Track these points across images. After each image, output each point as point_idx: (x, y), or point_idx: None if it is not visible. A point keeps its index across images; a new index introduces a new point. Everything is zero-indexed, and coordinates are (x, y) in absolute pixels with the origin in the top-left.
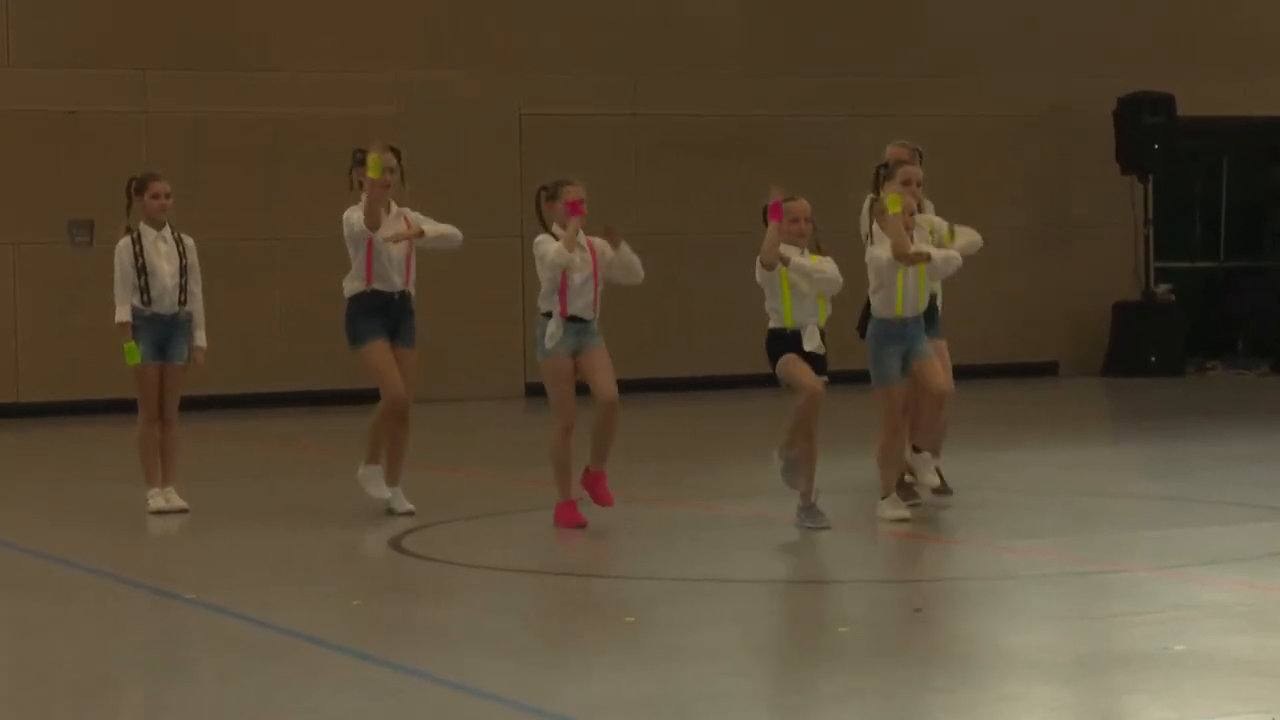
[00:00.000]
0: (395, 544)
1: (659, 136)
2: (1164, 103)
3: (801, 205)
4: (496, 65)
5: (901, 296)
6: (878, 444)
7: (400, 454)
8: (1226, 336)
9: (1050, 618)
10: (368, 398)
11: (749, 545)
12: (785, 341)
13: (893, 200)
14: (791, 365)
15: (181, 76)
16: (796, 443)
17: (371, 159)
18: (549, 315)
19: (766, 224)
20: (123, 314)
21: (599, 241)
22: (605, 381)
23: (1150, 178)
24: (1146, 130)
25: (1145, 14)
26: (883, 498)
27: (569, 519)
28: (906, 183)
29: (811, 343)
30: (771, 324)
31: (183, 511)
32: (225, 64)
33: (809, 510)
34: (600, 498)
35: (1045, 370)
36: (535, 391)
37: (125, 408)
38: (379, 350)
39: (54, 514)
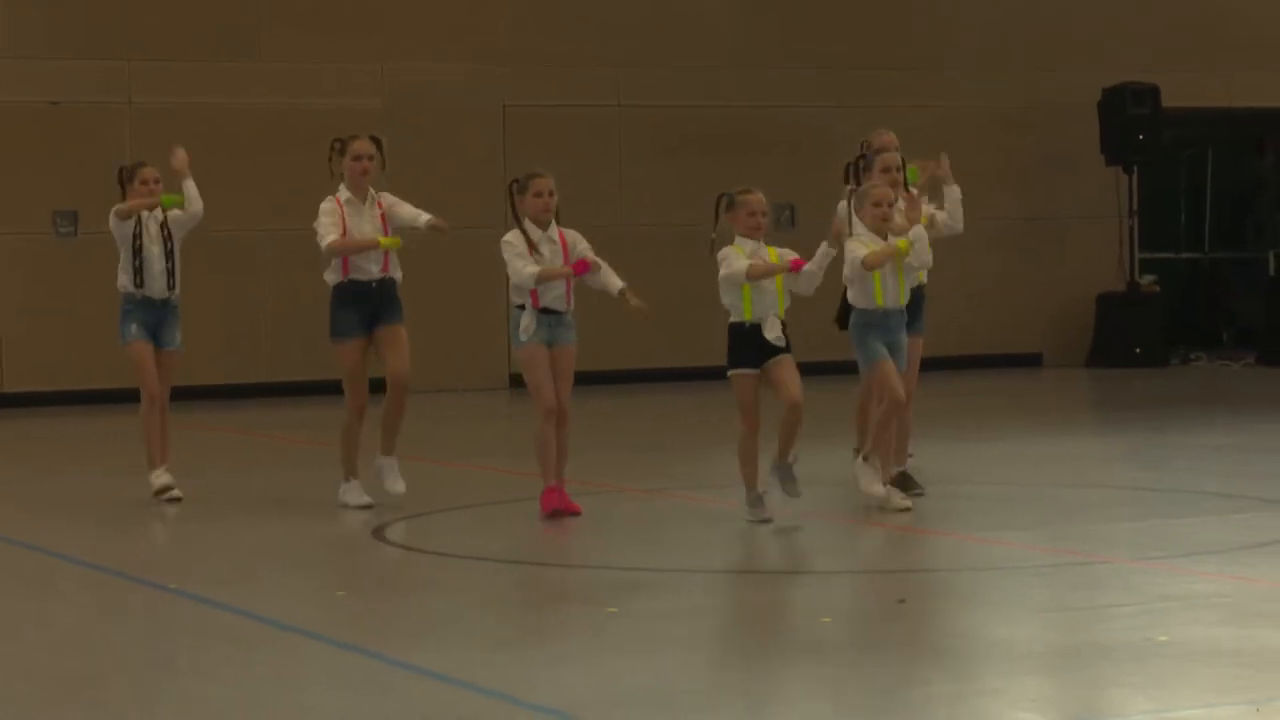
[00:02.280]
0: (378, 535)
1: (643, 129)
2: (1148, 94)
3: (757, 199)
4: (480, 57)
5: (880, 288)
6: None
7: (395, 425)
8: (1211, 327)
9: (1033, 609)
10: None
11: (732, 536)
12: (746, 336)
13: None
14: (740, 387)
15: (165, 68)
16: (747, 472)
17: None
18: (522, 307)
19: (717, 217)
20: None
21: (571, 234)
22: (561, 393)
23: (1135, 169)
24: (1131, 121)
25: (1130, 5)
26: (864, 457)
27: (554, 503)
28: (885, 170)
29: (772, 333)
30: (731, 318)
31: (176, 500)
32: (209, 55)
33: (785, 469)
34: (566, 507)
35: (1029, 361)
36: (519, 382)
37: (110, 398)
38: (353, 351)
39: (37, 505)
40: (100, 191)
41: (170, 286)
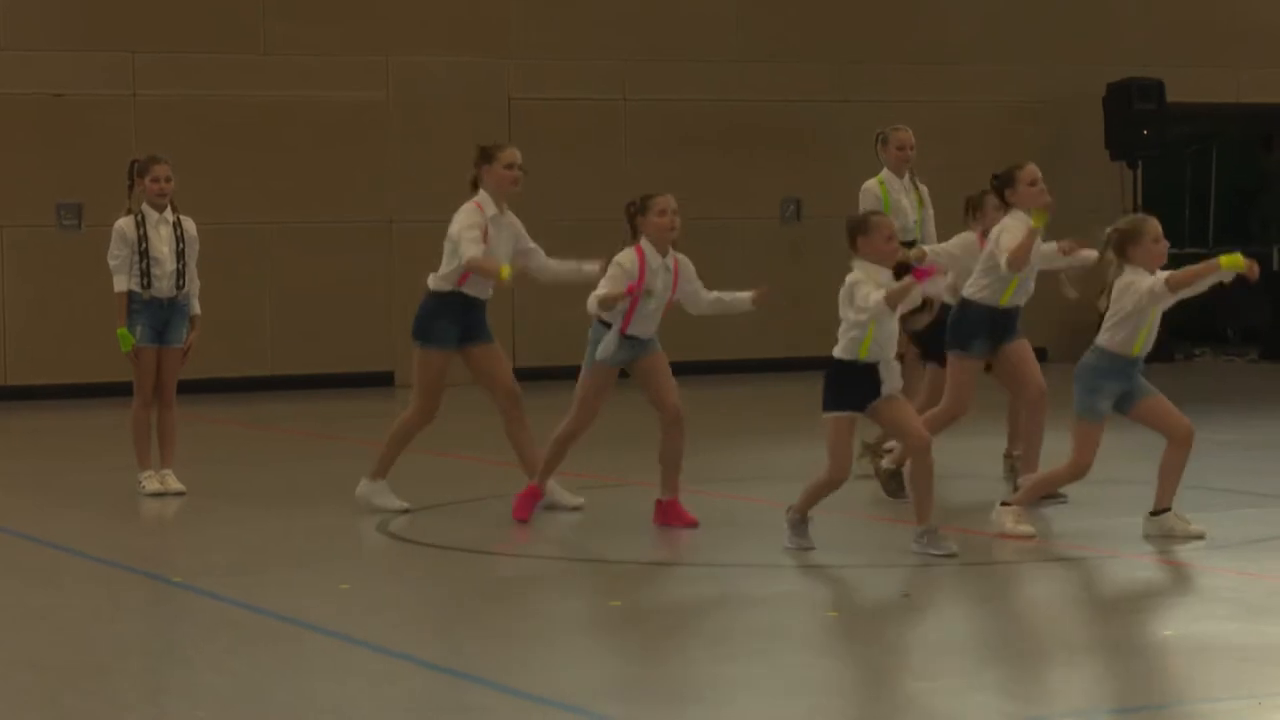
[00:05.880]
0: (384, 528)
1: (649, 122)
2: (1153, 89)
3: (886, 222)
4: (486, 49)
5: (1144, 333)
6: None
7: (529, 440)
8: (1215, 323)
9: (1039, 604)
10: (357, 381)
11: (737, 529)
12: (855, 378)
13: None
14: (836, 432)
15: (170, 59)
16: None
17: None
18: (608, 325)
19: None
20: (121, 284)
21: (685, 264)
22: (669, 395)
23: (1139, 164)
24: (1136, 117)
25: (1135, 0)
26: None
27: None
28: (901, 148)
29: (891, 383)
30: (838, 352)
31: (180, 494)
32: (214, 47)
33: (930, 535)
34: (683, 520)
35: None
36: (524, 376)
37: (114, 391)
38: (438, 362)
39: (43, 498)
40: (104, 184)
41: (180, 285)
